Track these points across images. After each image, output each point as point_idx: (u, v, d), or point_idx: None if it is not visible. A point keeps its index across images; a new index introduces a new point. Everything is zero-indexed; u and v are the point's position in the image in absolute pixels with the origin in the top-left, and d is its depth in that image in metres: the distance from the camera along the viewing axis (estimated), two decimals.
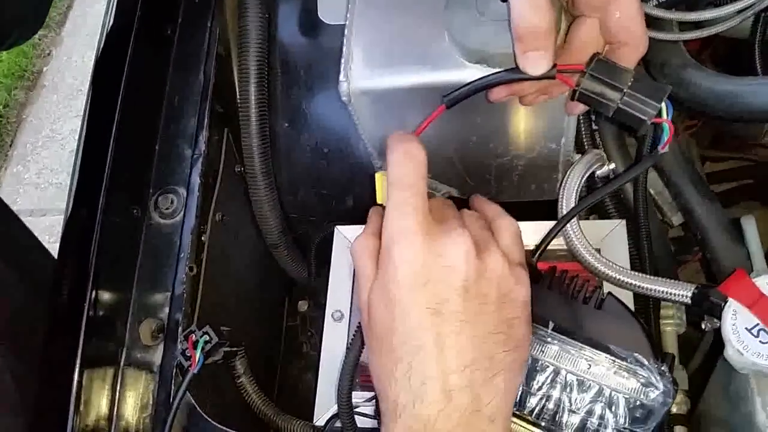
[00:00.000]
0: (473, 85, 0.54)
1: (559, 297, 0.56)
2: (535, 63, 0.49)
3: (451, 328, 0.44)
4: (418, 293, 0.44)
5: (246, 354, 0.65)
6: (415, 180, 0.47)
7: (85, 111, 0.74)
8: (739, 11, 0.65)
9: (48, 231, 2.18)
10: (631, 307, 0.64)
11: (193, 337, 0.58)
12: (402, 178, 0.47)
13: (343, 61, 0.62)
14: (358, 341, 0.52)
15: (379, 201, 0.57)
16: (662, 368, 0.50)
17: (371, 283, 0.48)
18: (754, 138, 0.99)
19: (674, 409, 0.66)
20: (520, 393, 0.53)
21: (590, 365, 0.51)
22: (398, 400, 0.44)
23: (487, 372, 0.44)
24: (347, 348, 0.53)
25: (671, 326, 0.70)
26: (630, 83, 0.49)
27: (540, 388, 0.52)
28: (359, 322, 0.51)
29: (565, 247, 0.66)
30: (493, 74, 0.54)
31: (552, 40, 0.48)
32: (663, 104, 0.49)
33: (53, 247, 0.74)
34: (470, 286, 0.45)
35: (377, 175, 0.56)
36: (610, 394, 0.51)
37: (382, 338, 0.46)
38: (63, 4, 2.96)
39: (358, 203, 0.83)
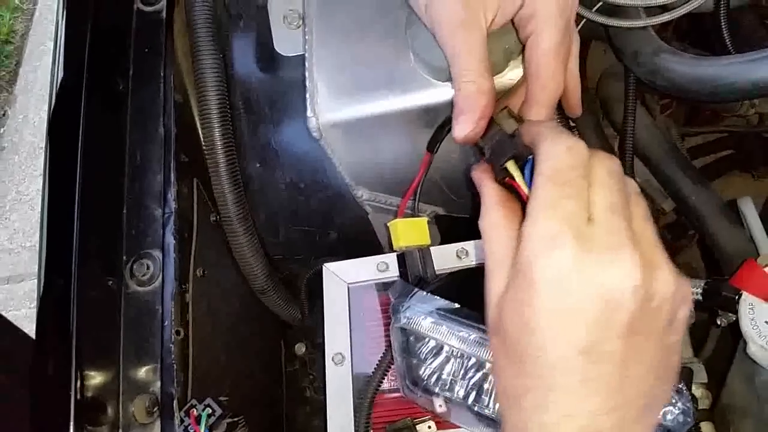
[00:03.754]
0: (444, 123, 0.55)
1: None
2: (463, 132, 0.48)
3: (602, 370, 0.37)
4: (564, 329, 0.37)
5: (246, 418, 0.61)
6: (577, 179, 0.38)
7: (44, 181, 0.70)
8: None
9: (28, 297, 2.12)
10: None
11: (195, 412, 0.54)
12: (561, 172, 0.39)
13: (308, 95, 0.59)
14: (372, 387, 0.49)
15: (395, 247, 0.58)
16: (679, 386, 0.47)
17: (503, 287, 0.40)
18: (730, 110, 0.99)
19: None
20: None
21: None
22: (527, 429, 0.38)
23: (639, 410, 0.38)
24: (359, 395, 0.51)
25: None
26: (490, 141, 0.47)
27: None
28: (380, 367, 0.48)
29: None
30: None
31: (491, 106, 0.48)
32: (511, 167, 0.45)
33: (34, 313, 0.70)
34: (635, 325, 0.37)
35: (393, 223, 0.57)
36: None
37: (511, 357, 0.39)
38: (11, 61, 2.90)
39: (343, 235, 0.80)
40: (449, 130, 0.52)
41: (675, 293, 0.38)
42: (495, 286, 0.41)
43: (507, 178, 0.45)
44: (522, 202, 0.43)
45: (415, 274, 0.55)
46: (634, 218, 0.39)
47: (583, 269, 0.36)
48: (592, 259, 0.36)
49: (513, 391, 0.40)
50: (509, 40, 0.53)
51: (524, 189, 0.43)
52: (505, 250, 0.41)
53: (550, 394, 0.38)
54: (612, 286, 0.36)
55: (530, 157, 0.43)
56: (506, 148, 0.45)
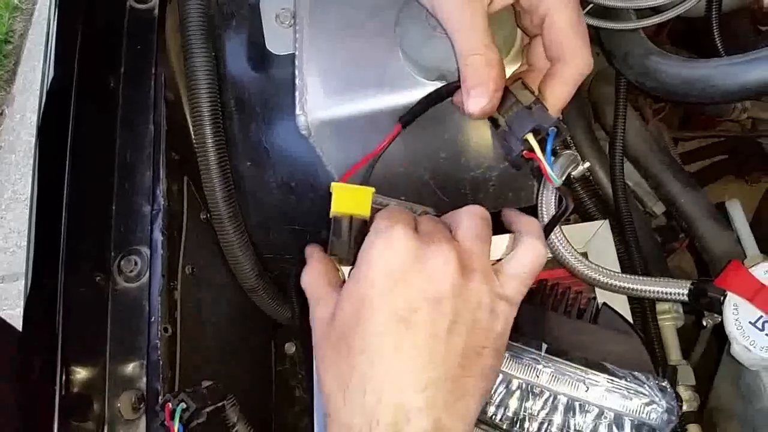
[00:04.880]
0: (425, 100, 0.54)
1: (552, 314, 0.53)
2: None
3: (415, 340, 0.41)
4: (390, 296, 0.42)
5: (236, 401, 0.61)
6: (401, 213, 0.48)
7: (33, 177, 0.70)
8: None
9: (22, 296, 2.11)
10: (626, 306, 0.62)
11: (170, 406, 0.54)
12: (389, 210, 0.49)
13: (297, 93, 0.59)
14: None
15: (331, 213, 0.53)
16: (663, 384, 0.47)
17: (332, 305, 0.46)
18: (723, 114, 0.99)
19: (685, 407, 0.63)
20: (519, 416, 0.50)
21: (588, 388, 0.48)
22: (352, 424, 0.41)
23: (449, 395, 0.41)
24: None
25: (669, 321, 0.68)
26: (508, 114, 0.47)
27: (539, 413, 0.50)
28: None
29: (550, 255, 0.63)
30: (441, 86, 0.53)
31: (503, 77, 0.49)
32: (530, 139, 0.46)
33: None
34: (444, 301, 0.42)
35: (334, 185, 0.53)
36: (613, 416, 0.48)
37: (340, 341, 0.44)
38: (10, 61, 2.90)
39: None
40: (431, 104, 0.52)
41: (487, 303, 0.43)
42: (321, 311, 0.47)
43: (526, 151, 0.46)
44: None
45: (338, 242, 0.52)
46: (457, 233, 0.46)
47: (411, 251, 0.43)
48: (419, 246, 0.43)
49: (338, 380, 0.43)
50: (498, 40, 0.53)
51: (543, 160, 0.44)
52: (326, 286, 0.48)
53: (371, 368, 0.41)
54: (430, 263, 0.43)
55: (551, 129, 0.45)
56: (525, 121, 0.46)
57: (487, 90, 0.47)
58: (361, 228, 0.52)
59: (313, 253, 0.53)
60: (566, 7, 0.49)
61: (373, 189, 0.53)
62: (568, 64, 0.49)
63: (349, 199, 0.52)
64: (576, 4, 0.50)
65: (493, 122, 0.49)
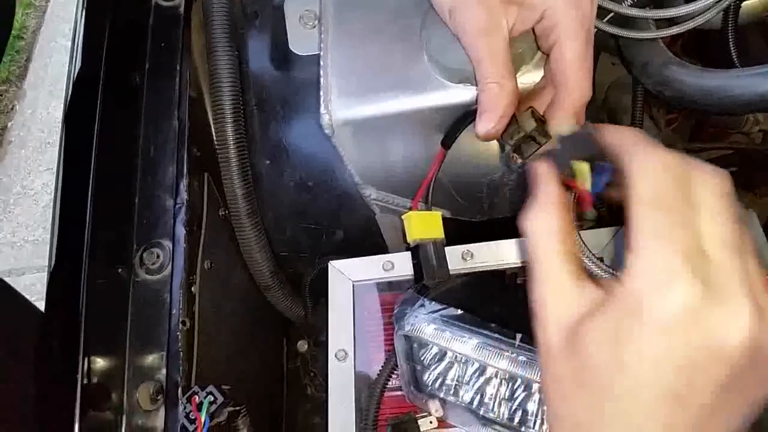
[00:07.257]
0: (461, 120, 0.56)
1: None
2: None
3: (687, 420, 0.34)
4: (664, 373, 0.34)
5: (248, 410, 0.62)
6: (680, 204, 0.35)
7: (58, 169, 0.71)
8: (716, 2, 0.64)
9: (28, 290, 2.12)
10: None
11: (197, 399, 0.55)
12: (663, 196, 0.35)
13: (321, 93, 0.60)
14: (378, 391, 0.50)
15: (409, 240, 0.58)
16: None
17: (576, 308, 0.37)
18: (734, 126, 1.00)
19: None
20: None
21: None
22: None
23: None
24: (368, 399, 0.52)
25: None
26: (512, 138, 0.50)
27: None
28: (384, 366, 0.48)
29: None
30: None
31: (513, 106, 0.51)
32: (583, 167, 0.45)
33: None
34: (735, 381, 0.34)
35: (408, 215, 0.58)
36: None
37: (587, 387, 0.36)
38: (22, 57, 2.91)
39: (349, 235, 0.81)
40: (467, 124, 0.54)
41: (754, 357, 0.34)
42: (556, 312, 0.38)
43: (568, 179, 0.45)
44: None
45: (428, 266, 0.56)
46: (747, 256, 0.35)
47: (696, 313, 0.33)
48: (707, 304, 0.33)
49: (580, 420, 0.37)
50: (522, 45, 0.54)
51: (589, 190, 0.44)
52: (561, 263, 0.39)
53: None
54: (721, 335, 0.33)
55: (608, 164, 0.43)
56: (530, 146, 0.49)
57: (496, 116, 0.50)
58: (442, 248, 0.58)
59: (552, 203, 0.41)
60: (576, 38, 0.50)
61: (440, 213, 0.58)
62: (570, 95, 0.50)
63: (423, 225, 0.57)
64: (586, 36, 0.50)
65: (501, 145, 0.52)
